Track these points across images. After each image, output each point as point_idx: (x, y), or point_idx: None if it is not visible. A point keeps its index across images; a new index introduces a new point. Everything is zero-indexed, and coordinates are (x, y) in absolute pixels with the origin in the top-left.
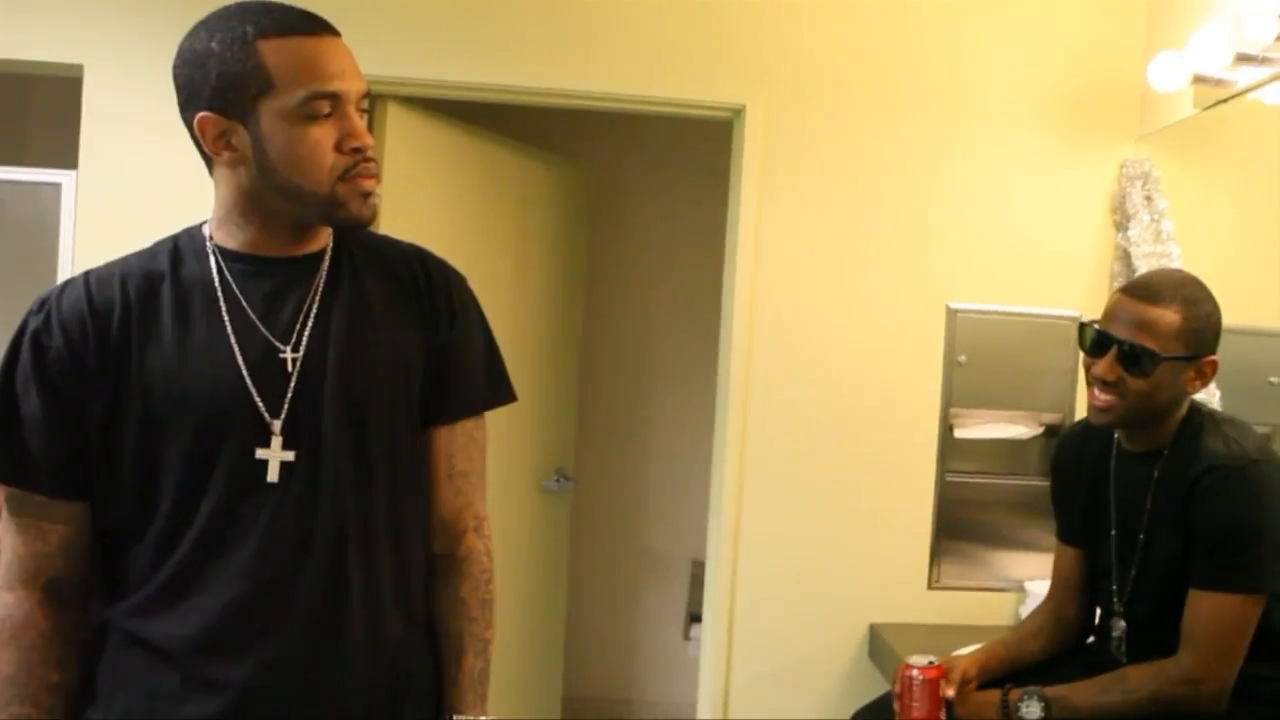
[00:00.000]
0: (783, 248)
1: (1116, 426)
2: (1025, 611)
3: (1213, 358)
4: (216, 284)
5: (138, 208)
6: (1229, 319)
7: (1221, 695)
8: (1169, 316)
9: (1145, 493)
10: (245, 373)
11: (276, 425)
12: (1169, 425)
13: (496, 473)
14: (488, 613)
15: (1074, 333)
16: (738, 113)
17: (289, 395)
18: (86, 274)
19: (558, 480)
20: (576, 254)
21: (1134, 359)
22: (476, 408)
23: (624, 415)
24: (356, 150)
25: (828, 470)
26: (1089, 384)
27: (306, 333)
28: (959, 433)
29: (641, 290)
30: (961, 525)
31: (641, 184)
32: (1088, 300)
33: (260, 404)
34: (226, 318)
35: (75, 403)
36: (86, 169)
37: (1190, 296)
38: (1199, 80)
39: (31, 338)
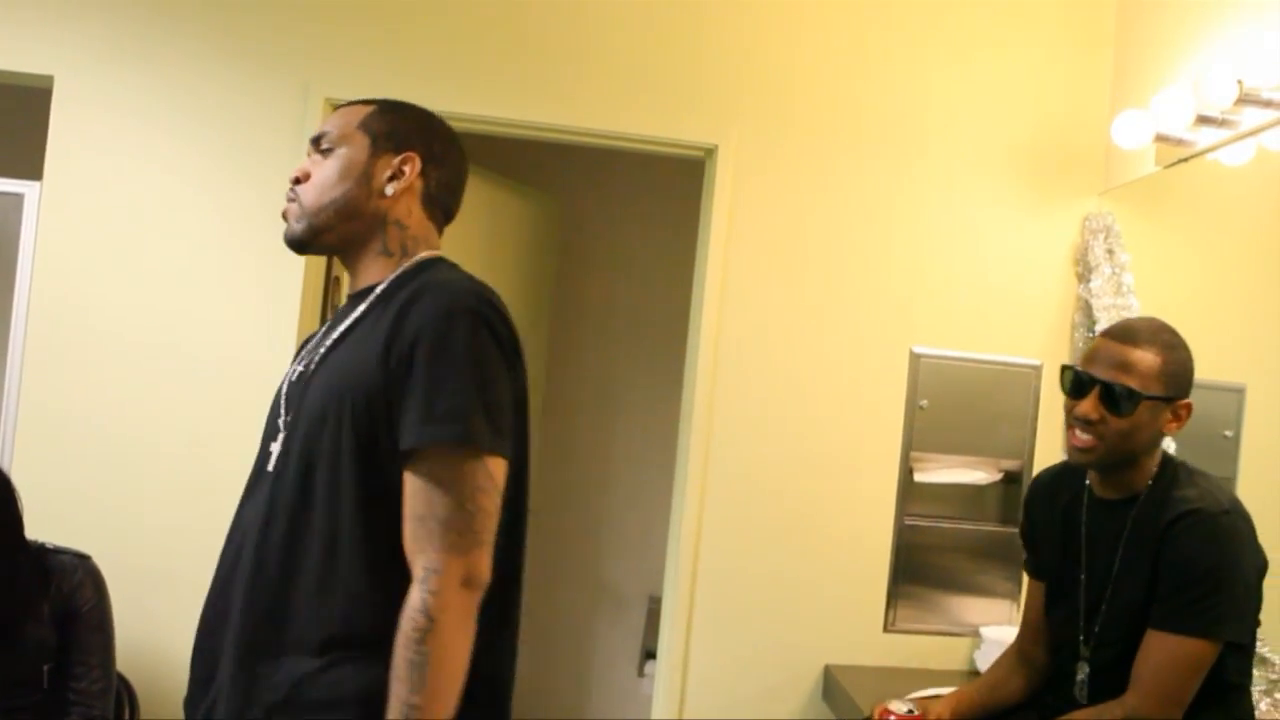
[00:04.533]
0: (749, 287)
1: (1095, 467)
2: (980, 656)
3: (1188, 401)
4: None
5: (103, 221)
6: None
7: None
8: (1149, 358)
9: (1118, 540)
10: (285, 386)
11: (282, 427)
12: (1144, 471)
13: None
14: (415, 675)
15: (1034, 380)
16: (710, 152)
17: (284, 404)
18: None
19: None
20: (543, 285)
21: (1115, 399)
22: (410, 447)
23: (585, 449)
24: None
25: (787, 510)
26: (1069, 425)
27: (317, 356)
28: (919, 476)
29: (607, 324)
30: (919, 569)
31: (611, 217)
32: (1049, 349)
33: (283, 409)
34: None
35: None
36: (52, 181)
37: (1169, 341)
38: (1161, 139)
39: None
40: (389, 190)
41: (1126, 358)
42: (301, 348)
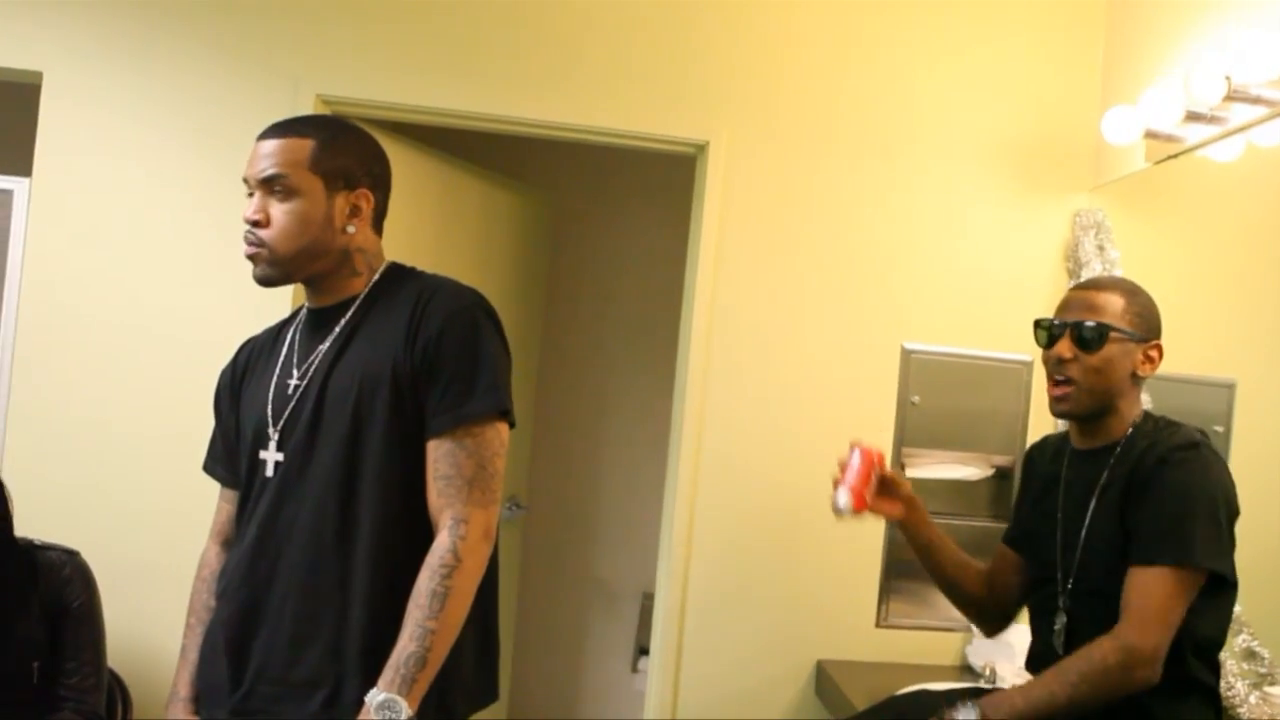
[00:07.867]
0: (741, 284)
1: (1077, 415)
2: (972, 651)
3: (1158, 342)
4: (287, 337)
5: (93, 218)
6: (1175, 369)
7: (1154, 662)
8: (1115, 299)
9: (1093, 488)
10: (269, 398)
11: (274, 434)
12: (1122, 420)
13: None
14: (436, 604)
15: (1025, 376)
16: (702, 149)
17: (287, 412)
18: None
19: (510, 508)
20: (536, 281)
21: (1085, 337)
22: (447, 423)
23: (578, 444)
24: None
25: (780, 506)
26: (1048, 378)
27: (315, 365)
28: (911, 472)
29: (600, 320)
30: (911, 564)
31: (604, 213)
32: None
33: (270, 419)
34: (280, 358)
35: (226, 420)
36: (41, 177)
37: (1131, 288)
38: (1151, 136)
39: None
40: (351, 229)
41: (1093, 300)
42: (243, 352)
